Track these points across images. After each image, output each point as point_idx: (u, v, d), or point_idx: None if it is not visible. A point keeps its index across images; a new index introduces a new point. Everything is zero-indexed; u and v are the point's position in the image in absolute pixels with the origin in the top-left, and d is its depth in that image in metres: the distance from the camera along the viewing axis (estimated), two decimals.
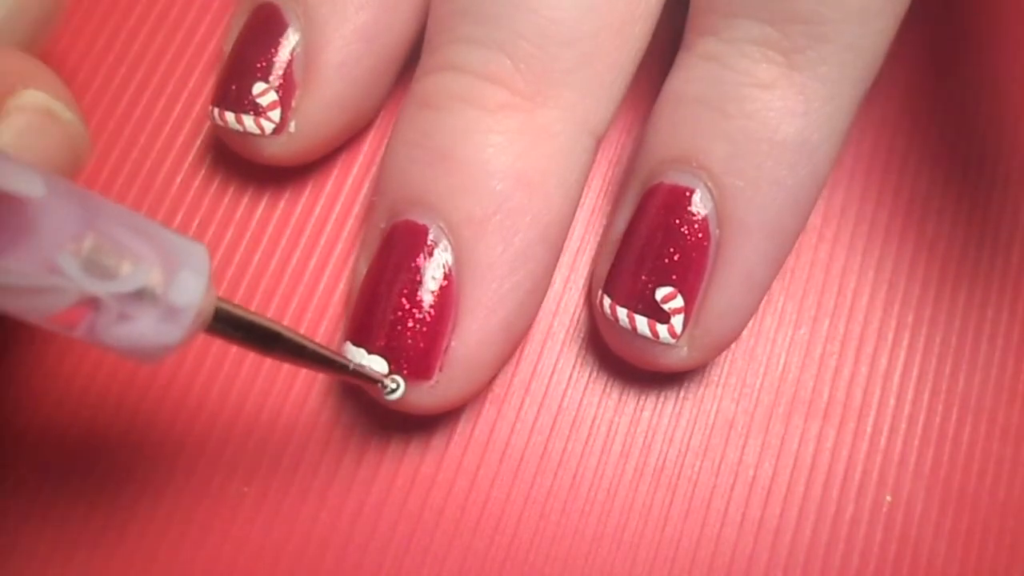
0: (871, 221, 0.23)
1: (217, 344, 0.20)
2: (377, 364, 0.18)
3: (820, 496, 0.21)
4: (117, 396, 0.20)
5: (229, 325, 0.15)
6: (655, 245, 0.19)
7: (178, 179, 0.22)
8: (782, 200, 0.18)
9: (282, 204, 0.22)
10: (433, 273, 0.18)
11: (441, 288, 0.18)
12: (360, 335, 0.18)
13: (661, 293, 0.18)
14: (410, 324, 0.18)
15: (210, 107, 0.20)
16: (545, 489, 0.20)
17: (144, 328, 0.13)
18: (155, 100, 0.22)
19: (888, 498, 0.21)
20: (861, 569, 0.20)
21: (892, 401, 0.22)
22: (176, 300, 0.13)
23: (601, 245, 0.21)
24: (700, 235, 0.18)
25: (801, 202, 0.19)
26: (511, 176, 0.18)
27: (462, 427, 0.20)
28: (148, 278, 0.13)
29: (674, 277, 0.18)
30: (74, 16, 0.23)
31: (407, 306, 0.18)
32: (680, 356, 0.19)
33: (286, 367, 0.20)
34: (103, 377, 0.20)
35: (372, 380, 0.18)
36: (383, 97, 0.22)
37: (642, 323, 0.18)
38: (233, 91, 0.20)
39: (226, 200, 0.22)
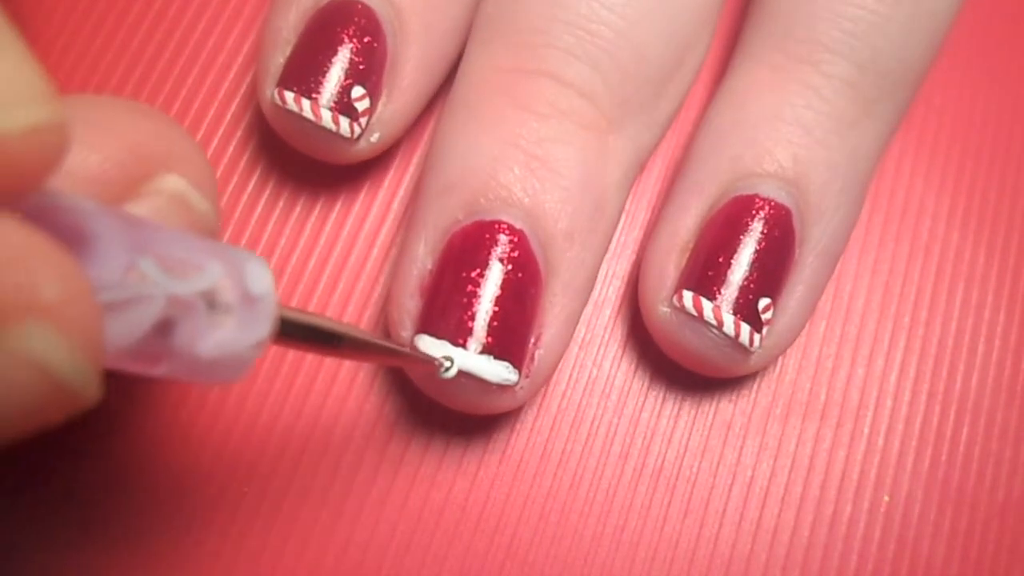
0: (866, 223, 0.23)
1: None
2: (490, 364, 0.17)
3: (818, 496, 0.21)
4: (117, 397, 0.20)
5: (295, 330, 0.14)
6: (761, 256, 0.19)
7: None
8: (848, 228, 0.21)
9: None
10: (531, 280, 0.18)
11: (534, 296, 0.18)
12: (431, 326, 0.18)
13: (763, 303, 0.19)
14: (511, 328, 0.18)
15: (285, 92, 0.19)
16: (545, 490, 0.20)
17: (229, 332, 0.13)
18: (154, 100, 0.22)
19: (886, 498, 0.21)
20: (859, 569, 0.20)
21: (889, 402, 0.22)
22: (252, 289, 0.13)
23: (658, 240, 0.20)
24: (794, 252, 0.20)
25: (852, 229, 0.21)
26: (597, 196, 0.19)
27: (462, 428, 0.20)
28: (214, 280, 0.13)
29: (773, 289, 0.19)
30: (73, 15, 0.23)
31: (507, 310, 0.18)
32: (748, 363, 0.20)
33: (285, 368, 0.20)
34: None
35: (429, 361, 0.17)
36: None
37: (746, 330, 0.19)
38: (330, 89, 0.19)
39: (227, 200, 0.22)
